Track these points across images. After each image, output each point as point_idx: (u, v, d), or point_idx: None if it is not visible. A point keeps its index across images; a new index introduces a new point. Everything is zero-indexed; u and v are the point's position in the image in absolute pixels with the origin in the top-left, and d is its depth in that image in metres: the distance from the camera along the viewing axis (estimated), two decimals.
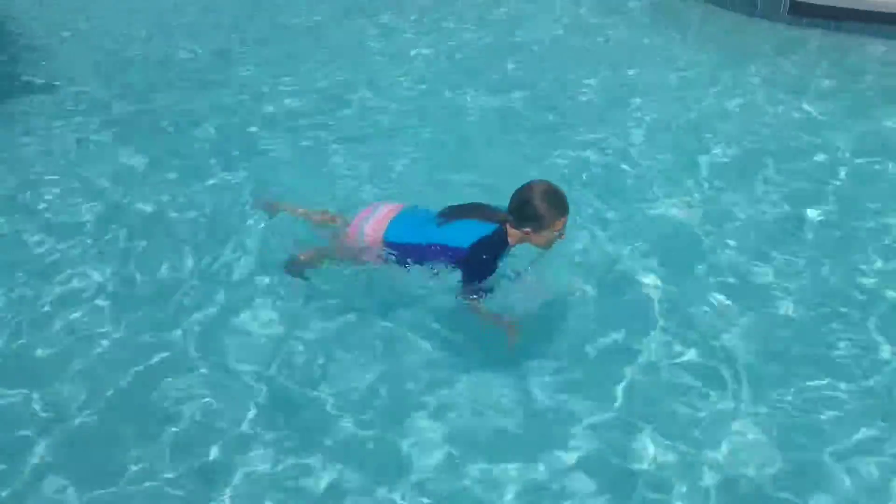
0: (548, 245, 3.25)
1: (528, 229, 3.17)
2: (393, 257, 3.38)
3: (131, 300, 3.68)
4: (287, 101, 5.46)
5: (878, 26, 6.21)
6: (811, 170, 4.59)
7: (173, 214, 4.24)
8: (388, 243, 3.37)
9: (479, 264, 3.21)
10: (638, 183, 4.49)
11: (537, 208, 3.11)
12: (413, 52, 6.18)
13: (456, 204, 3.38)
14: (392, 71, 5.88)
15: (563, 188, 3.23)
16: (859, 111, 5.20)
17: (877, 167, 4.61)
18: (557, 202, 3.14)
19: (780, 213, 4.23)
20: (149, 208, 4.29)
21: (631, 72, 5.85)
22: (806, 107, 5.27)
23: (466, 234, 3.22)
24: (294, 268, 3.71)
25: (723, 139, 4.89)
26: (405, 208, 3.50)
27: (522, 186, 3.19)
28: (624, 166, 4.64)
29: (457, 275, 3.28)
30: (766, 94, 5.48)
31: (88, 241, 4.05)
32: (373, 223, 3.42)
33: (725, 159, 4.69)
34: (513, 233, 3.22)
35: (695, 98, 5.44)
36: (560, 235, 3.21)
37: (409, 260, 3.36)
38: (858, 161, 4.65)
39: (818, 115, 5.18)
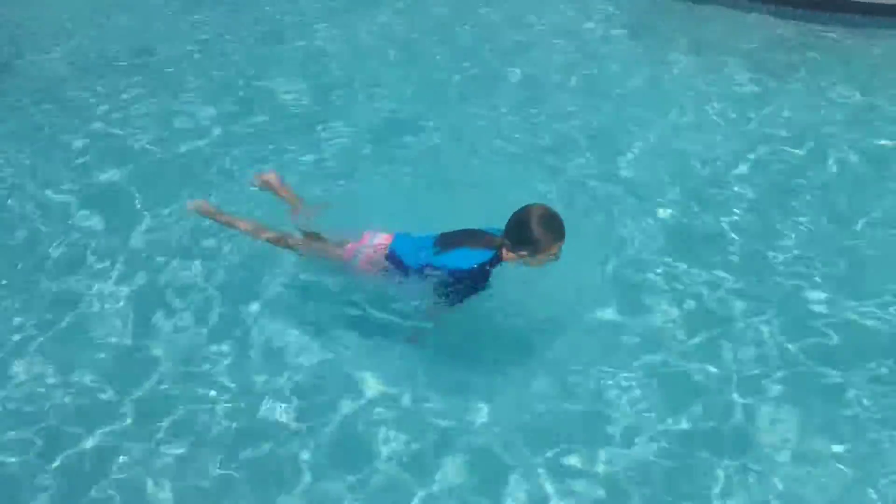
0: (541, 266, 3.30)
1: (524, 252, 3.23)
2: (387, 272, 3.49)
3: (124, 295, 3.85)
4: (281, 100, 5.50)
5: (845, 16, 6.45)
6: (804, 164, 4.86)
7: (170, 212, 4.35)
8: (389, 256, 3.47)
9: (471, 286, 3.35)
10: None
11: (534, 233, 3.15)
12: (405, 57, 6.16)
13: (450, 231, 3.44)
14: (386, 74, 5.88)
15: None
16: (835, 96, 5.52)
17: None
18: (554, 227, 3.17)
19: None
20: (141, 204, 4.42)
21: (624, 68, 5.96)
22: (769, 90, 5.57)
23: (464, 261, 3.31)
24: (206, 213, 3.82)
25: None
26: (399, 234, 3.54)
27: (520, 210, 3.22)
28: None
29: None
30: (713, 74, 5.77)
31: (89, 241, 4.18)
32: (370, 250, 3.50)
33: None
34: (509, 256, 3.27)
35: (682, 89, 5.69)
36: (555, 258, 3.26)
37: (401, 278, 3.46)
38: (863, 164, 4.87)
39: (781, 96, 5.49)
